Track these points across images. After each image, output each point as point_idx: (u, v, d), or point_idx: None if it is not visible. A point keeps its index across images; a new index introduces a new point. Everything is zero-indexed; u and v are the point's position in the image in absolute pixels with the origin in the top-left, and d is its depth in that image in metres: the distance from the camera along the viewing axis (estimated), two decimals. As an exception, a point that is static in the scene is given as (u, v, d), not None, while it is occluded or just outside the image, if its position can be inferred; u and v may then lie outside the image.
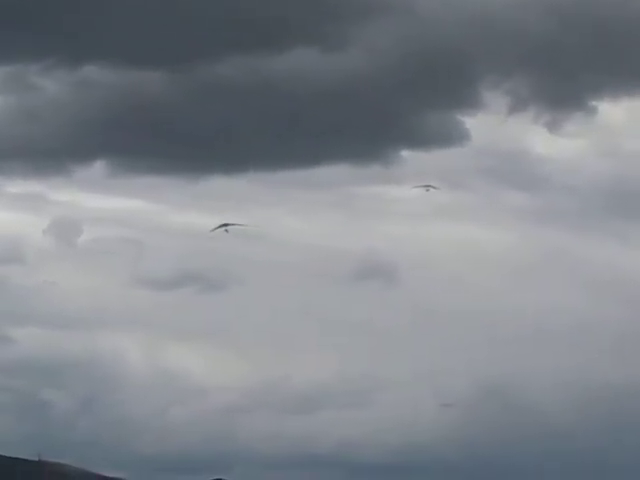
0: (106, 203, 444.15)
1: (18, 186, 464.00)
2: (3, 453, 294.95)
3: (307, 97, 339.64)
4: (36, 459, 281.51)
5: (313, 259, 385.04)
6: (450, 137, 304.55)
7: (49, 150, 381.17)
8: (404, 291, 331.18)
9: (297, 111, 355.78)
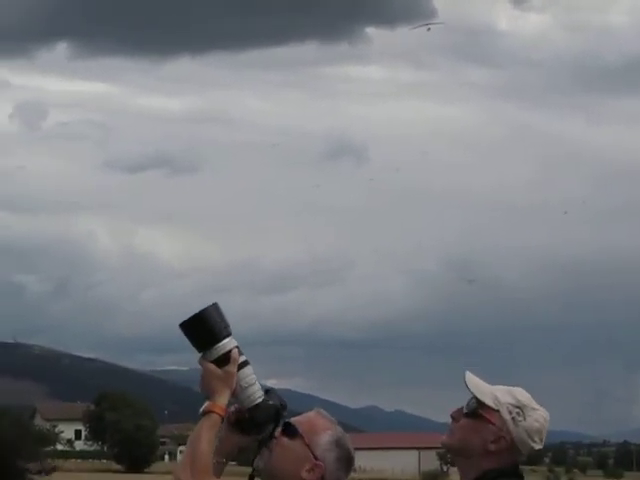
0: (70, 86, 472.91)
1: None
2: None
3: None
4: (11, 341, 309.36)
5: (281, 140, 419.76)
6: (416, 14, 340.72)
7: (8, 32, 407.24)
8: (373, 170, 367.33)
9: None
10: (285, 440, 3.46)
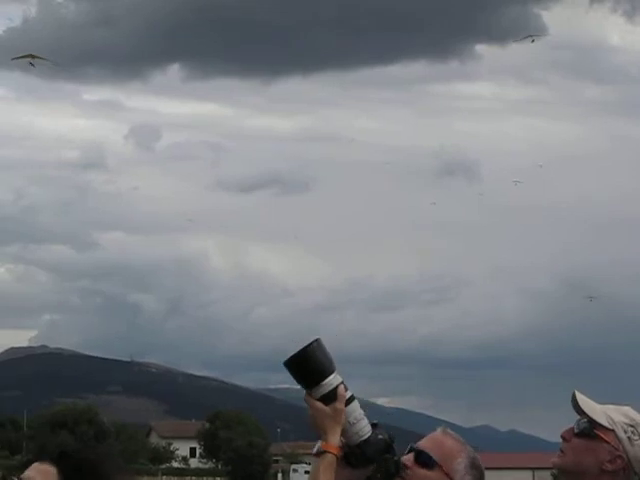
0: (183, 108, 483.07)
1: (94, 92, 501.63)
2: (96, 354, 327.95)
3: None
4: (128, 360, 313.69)
5: (391, 158, 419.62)
6: (526, 31, 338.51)
7: (123, 55, 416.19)
8: (485, 187, 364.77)
9: (373, 7, 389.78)
10: (422, 471, 3.37)
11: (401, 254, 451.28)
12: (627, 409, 3.58)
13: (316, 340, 3.36)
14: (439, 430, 3.46)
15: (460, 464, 3.38)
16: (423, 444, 3.41)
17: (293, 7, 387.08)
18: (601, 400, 3.61)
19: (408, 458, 3.40)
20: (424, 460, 3.37)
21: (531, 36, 62.88)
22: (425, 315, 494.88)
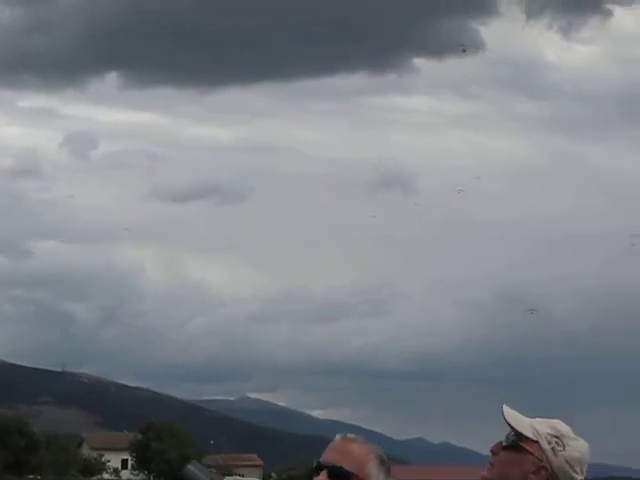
0: (120, 116, 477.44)
1: (29, 100, 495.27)
2: (27, 364, 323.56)
3: (323, 4, 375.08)
4: (59, 370, 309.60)
5: (329, 170, 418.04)
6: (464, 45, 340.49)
7: (59, 62, 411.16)
8: (421, 201, 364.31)
9: (313, 19, 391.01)
10: None
11: (338, 265, 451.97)
12: (556, 422, 3.61)
13: (190, 462, 3.59)
14: (339, 438, 3.42)
15: (372, 467, 3.37)
16: (331, 457, 3.36)
17: (233, 17, 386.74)
18: (537, 414, 3.62)
19: (322, 478, 3.34)
20: (338, 474, 3.33)
21: (463, 45, 63.82)
22: (361, 327, 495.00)
